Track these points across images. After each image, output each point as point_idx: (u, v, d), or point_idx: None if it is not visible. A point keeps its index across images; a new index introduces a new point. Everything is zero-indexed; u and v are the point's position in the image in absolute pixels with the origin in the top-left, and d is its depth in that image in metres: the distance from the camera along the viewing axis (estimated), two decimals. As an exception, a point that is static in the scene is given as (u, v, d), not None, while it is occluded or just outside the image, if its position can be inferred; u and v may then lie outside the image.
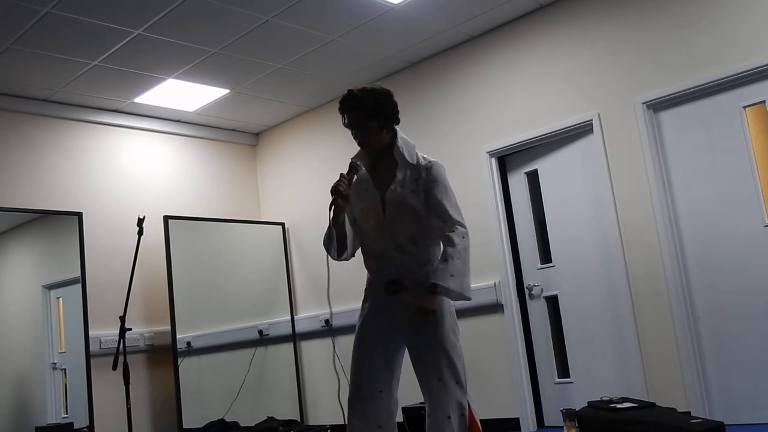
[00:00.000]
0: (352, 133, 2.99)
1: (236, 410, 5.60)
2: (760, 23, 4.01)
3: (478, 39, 5.25)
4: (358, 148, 3.03)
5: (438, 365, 2.81)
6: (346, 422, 2.95)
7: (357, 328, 2.98)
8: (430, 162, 2.96)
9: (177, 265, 5.54)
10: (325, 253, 3.07)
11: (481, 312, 4.99)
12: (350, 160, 3.01)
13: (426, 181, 2.90)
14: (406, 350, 2.96)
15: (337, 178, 2.94)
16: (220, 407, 5.55)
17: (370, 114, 2.91)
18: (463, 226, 2.87)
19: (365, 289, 3.03)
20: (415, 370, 2.89)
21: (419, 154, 2.99)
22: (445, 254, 2.81)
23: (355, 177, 2.98)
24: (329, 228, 2.98)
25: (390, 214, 2.91)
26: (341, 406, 5.72)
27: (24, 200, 5.18)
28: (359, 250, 3.08)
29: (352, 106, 2.93)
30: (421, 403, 3.04)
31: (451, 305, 2.91)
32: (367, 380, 2.87)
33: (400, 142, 2.96)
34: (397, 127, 2.99)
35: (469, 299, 2.86)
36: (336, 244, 2.99)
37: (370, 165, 3.01)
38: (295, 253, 6.39)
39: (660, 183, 4.36)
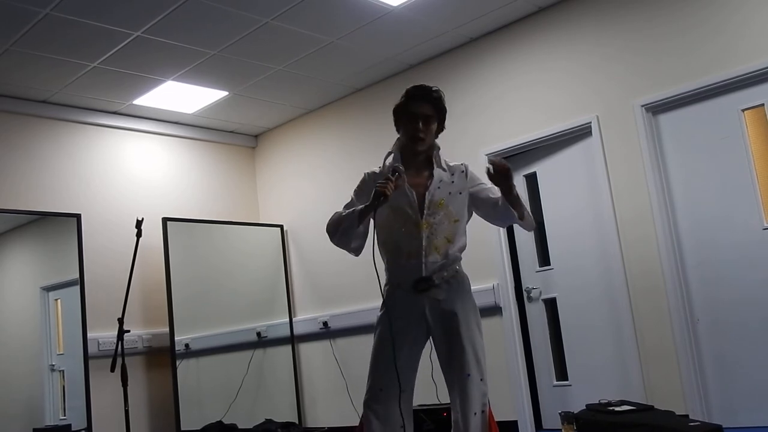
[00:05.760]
0: (412, 126, 3.00)
1: (234, 412, 5.59)
2: (759, 27, 4.02)
3: (477, 41, 5.25)
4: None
5: (466, 362, 2.86)
6: (363, 423, 2.90)
7: (378, 330, 2.95)
8: (462, 164, 3.14)
9: (175, 267, 5.54)
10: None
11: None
12: (394, 165, 2.98)
13: (470, 180, 3.10)
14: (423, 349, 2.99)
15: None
16: (218, 409, 5.54)
17: (438, 114, 3.04)
18: None
19: (386, 290, 3.00)
20: (441, 367, 2.94)
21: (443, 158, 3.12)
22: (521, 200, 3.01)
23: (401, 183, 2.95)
24: (351, 221, 2.91)
25: (428, 214, 2.96)
26: (340, 408, 5.72)
27: (23, 202, 5.17)
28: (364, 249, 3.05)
29: (429, 99, 3.02)
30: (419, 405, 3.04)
31: (476, 304, 2.99)
32: (391, 381, 2.85)
33: (438, 146, 3.11)
34: None
35: (531, 225, 3.12)
36: (356, 239, 2.95)
37: (404, 165, 3.02)
38: (293, 255, 6.38)
39: (659, 186, 4.36)
